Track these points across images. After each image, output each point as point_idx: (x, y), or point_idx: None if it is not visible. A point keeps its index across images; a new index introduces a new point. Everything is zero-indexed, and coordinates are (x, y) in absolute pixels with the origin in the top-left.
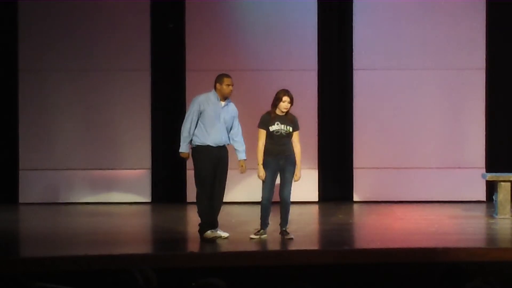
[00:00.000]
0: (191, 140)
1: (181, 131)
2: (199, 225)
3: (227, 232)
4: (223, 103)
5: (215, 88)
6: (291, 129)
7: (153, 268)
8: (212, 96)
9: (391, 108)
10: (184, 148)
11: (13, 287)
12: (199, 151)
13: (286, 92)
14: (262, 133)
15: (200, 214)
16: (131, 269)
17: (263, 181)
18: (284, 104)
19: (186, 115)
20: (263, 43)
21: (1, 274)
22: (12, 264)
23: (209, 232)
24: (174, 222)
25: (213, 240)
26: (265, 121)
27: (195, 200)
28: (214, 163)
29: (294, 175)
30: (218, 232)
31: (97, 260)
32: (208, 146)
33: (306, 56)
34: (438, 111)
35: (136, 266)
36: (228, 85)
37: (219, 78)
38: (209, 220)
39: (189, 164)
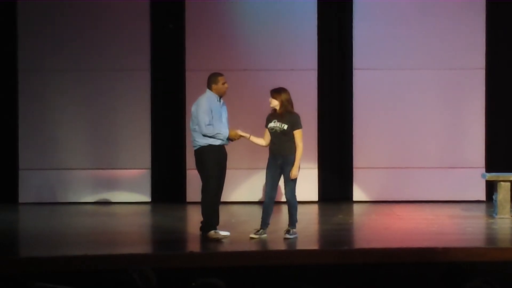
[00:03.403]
0: (201, 140)
1: (208, 133)
2: (203, 223)
3: (227, 231)
4: (220, 102)
5: (210, 88)
6: (285, 127)
7: (153, 268)
8: (213, 96)
9: (391, 108)
10: (224, 133)
11: (12, 287)
12: (211, 150)
13: (270, 91)
14: (265, 131)
15: (207, 213)
16: (127, 269)
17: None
18: (271, 103)
19: (199, 116)
20: (263, 43)
21: (1, 274)
22: (12, 264)
23: (212, 232)
24: (174, 222)
25: (216, 240)
26: (266, 120)
27: (197, 200)
28: (222, 162)
29: (291, 175)
30: (221, 233)
31: (97, 260)
32: (218, 145)
33: (306, 56)
34: (438, 111)
35: (135, 266)
36: (224, 83)
37: (214, 79)
38: (215, 220)
39: (189, 164)
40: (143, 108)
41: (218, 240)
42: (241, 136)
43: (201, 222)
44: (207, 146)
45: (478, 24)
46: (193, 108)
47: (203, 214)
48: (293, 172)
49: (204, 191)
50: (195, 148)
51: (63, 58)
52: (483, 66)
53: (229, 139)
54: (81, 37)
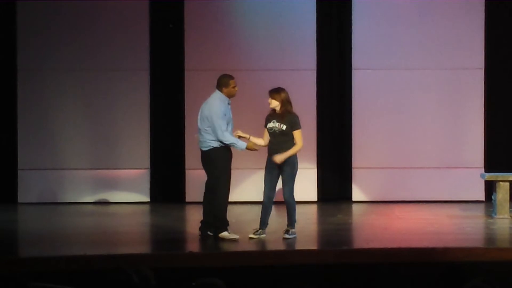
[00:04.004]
0: (214, 141)
1: (225, 140)
2: (220, 224)
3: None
4: (229, 105)
5: (220, 90)
6: (284, 128)
7: (152, 267)
8: (224, 99)
9: (390, 108)
10: (241, 145)
11: (12, 287)
12: (223, 150)
13: (269, 92)
14: (264, 131)
15: (220, 214)
16: (127, 269)
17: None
18: (270, 104)
19: (215, 122)
20: (262, 43)
21: (1, 274)
22: (11, 264)
23: (226, 233)
24: (173, 222)
25: (229, 240)
26: (266, 120)
27: (196, 200)
28: (231, 161)
29: (274, 157)
30: (233, 234)
31: (96, 260)
32: (228, 147)
33: (305, 55)
34: (437, 111)
35: (135, 266)
36: (235, 86)
37: (225, 81)
38: (226, 220)
39: (189, 163)
40: (143, 108)
41: (232, 241)
42: (241, 137)
43: (201, 222)
44: (219, 147)
45: (478, 24)
46: (206, 111)
47: (208, 214)
48: (279, 157)
49: (214, 191)
50: (206, 149)
51: (63, 58)
52: (482, 66)
53: (248, 148)
54: (81, 37)
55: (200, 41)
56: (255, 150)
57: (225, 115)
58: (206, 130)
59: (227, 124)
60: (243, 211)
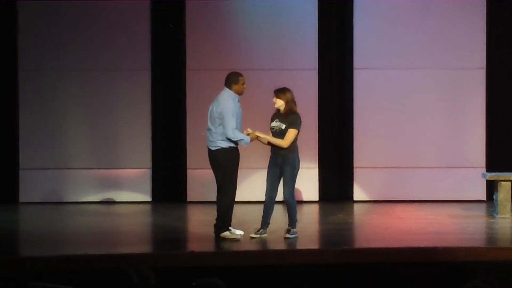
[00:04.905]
0: (223, 142)
1: (233, 138)
2: (222, 224)
3: (240, 230)
4: (239, 103)
5: (230, 88)
6: (283, 127)
7: (153, 267)
8: (235, 97)
9: (391, 107)
10: (247, 139)
11: (12, 287)
12: (231, 152)
13: (274, 92)
14: (269, 130)
15: (225, 215)
16: (125, 268)
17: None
18: (275, 103)
19: (225, 119)
20: (263, 42)
21: (1, 273)
22: (12, 263)
23: (227, 233)
24: (174, 222)
25: (230, 240)
26: (271, 119)
27: (197, 200)
28: (238, 162)
29: (253, 132)
30: (237, 233)
31: (97, 260)
32: (237, 146)
33: (306, 55)
34: (438, 110)
35: (135, 266)
36: (244, 83)
37: (235, 78)
38: (229, 220)
39: (190, 163)
40: (144, 107)
41: (234, 240)
42: (249, 134)
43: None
44: (227, 148)
45: (478, 24)
46: (217, 109)
47: (220, 215)
48: (262, 135)
49: (222, 192)
50: (214, 149)
51: (63, 58)
52: (483, 65)
53: (252, 140)
54: (81, 37)
55: (200, 41)
56: (258, 139)
57: (236, 113)
58: (216, 130)
59: (239, 123)
60: (245, 211)
